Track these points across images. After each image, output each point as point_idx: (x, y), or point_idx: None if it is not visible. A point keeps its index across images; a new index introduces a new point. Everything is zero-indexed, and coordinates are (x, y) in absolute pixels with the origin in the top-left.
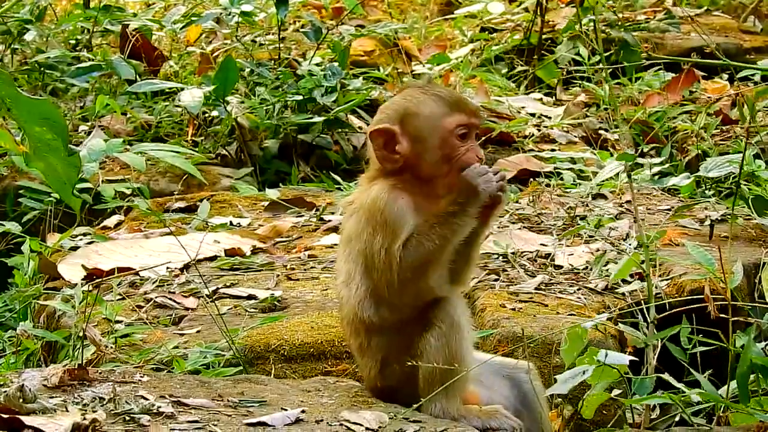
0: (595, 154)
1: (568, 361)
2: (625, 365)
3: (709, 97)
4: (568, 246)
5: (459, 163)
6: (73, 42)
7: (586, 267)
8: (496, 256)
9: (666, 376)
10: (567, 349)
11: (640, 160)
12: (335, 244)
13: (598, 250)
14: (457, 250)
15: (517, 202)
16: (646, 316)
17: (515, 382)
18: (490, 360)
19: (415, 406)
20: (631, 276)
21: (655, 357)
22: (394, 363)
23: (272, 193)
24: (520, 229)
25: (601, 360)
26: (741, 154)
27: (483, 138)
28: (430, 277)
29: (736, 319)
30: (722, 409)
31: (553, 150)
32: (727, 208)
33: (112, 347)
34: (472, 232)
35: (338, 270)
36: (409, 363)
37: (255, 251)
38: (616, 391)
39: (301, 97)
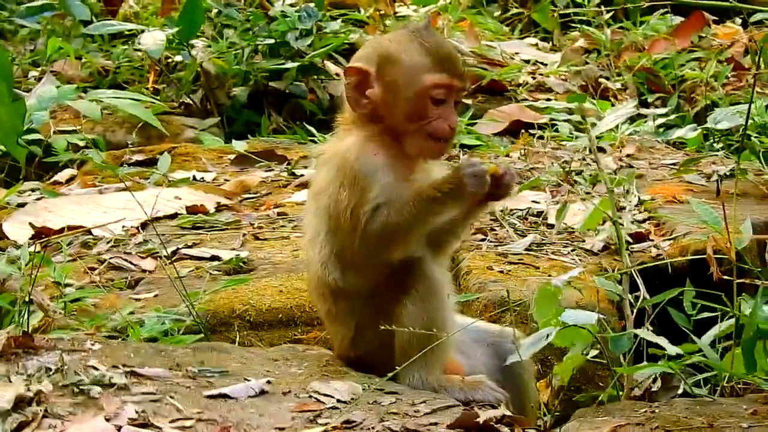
0: (594, 104)
1: (542, 325)
2: (595, 325)
3: (720, 43)
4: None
5: (428, 127)
6: None
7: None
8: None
9: (643, 330)
10: (538, 309)
11: (643, 111)
12: None
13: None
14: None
15: (507, 155)
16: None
17: (498, 351)
18: (473, 326)
19: (390, 375)
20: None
21: (633, 313)
22: (367, 330)
23: (240, 146)
24: None
25: (565, 321)
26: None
27: (473, 86)
28: (395, 251)
29: (742, 281)
30: (726, 378)
31: (548, 100)
32: (736, 162)
33: (60, 313)
34: (457, 218)
35: (305, 226)
36: (383, 327)
37: (219, 208)
38: (593, 352)
39: (273, 41)
